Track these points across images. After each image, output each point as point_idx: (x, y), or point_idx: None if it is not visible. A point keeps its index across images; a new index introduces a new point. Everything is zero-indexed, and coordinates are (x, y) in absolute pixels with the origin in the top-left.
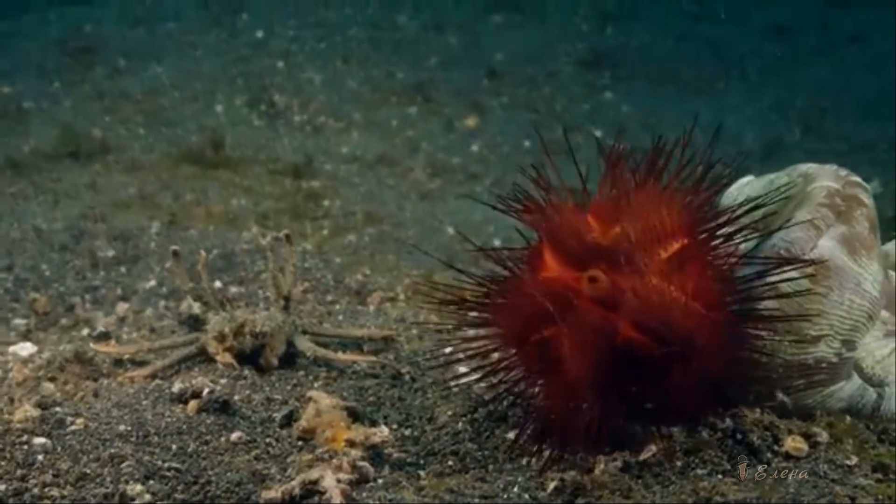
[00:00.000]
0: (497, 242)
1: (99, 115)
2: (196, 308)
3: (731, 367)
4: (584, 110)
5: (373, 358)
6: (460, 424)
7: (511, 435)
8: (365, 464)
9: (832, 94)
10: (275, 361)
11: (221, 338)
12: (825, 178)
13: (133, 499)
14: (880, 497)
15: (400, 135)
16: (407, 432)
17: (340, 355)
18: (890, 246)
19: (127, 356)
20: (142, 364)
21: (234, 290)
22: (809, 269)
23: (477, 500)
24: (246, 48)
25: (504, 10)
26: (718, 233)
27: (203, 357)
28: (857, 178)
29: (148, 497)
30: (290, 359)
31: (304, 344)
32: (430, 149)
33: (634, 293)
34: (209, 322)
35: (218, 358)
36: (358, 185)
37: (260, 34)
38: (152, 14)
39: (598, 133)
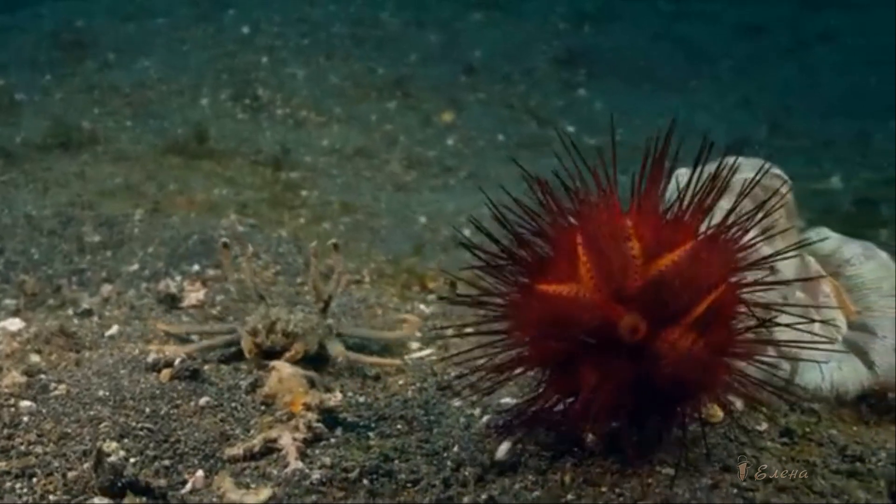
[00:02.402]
0: (467, 232)
1: (88, 108)
2: (172, 287)
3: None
4: (558, 106)
5: (398, 361)
6: (410, 393)
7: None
8: (319, 425)
9: (799, 93)
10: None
11: (254, 333)
12: (748, 169)
13: (109, 455)
14: (783, 458)
15: (379, 129)
16: (361, 399)
17: (369, 358)
18: (810, 233)
19: (174, 331)
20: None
21: (211, 272)
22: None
23: (419, 458)
24: (232, 44)
25: (484, 9)
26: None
27: (235, 350)
28: (779, 171)
29: (122, 453)
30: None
31: (336, 349)
32: (408, 142)
33: (669, 347)
34: (185, 301)
35: (247, 355)
36: (336, 176)
37: (246, 30)
38: (142, 9)
39: (570, 129)
